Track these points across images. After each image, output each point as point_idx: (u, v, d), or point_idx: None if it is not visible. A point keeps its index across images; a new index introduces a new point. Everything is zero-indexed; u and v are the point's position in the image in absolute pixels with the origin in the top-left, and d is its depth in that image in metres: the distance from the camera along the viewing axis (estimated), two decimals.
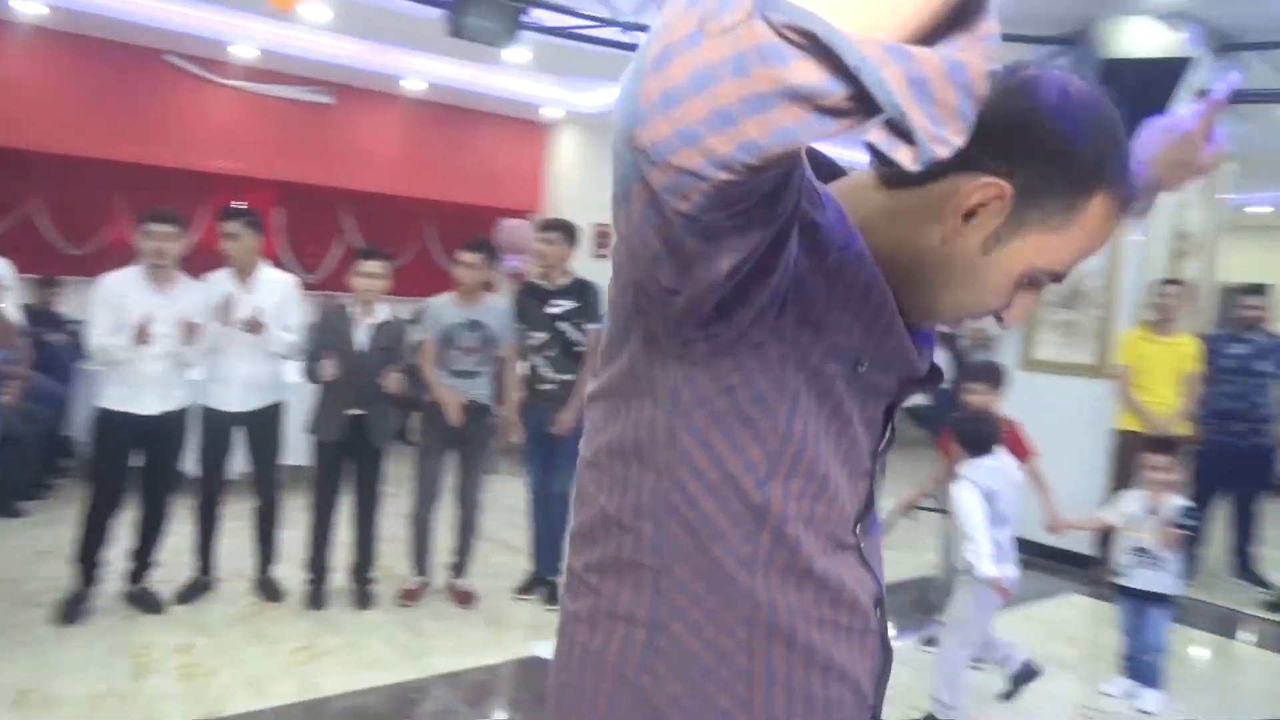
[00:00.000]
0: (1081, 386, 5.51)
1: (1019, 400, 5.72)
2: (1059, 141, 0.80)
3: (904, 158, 0.51)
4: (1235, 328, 5.36)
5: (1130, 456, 5.22)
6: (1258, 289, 5.39)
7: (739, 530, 0.81)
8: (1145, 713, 3.56)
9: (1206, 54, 5.34)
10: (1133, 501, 3.62)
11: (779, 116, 0.50)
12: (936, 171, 0.76)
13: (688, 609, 0.83)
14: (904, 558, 5.06)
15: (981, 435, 3.33)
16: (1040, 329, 5.81)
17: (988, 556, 3.06)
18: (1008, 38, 5.31)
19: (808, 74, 0.49)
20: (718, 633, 0.83)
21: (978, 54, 0.51)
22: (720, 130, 0.52)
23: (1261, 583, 5.28)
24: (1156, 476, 3.57)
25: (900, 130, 0.50)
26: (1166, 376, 5.06)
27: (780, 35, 0.48)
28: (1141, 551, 3.56)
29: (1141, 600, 3.60)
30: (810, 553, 0.84)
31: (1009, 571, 3.17)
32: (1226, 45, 5.44)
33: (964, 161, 0.71)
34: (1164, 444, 3.69)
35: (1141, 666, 3.66)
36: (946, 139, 0.51)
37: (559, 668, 0.93)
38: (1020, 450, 3.71)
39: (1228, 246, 15.83)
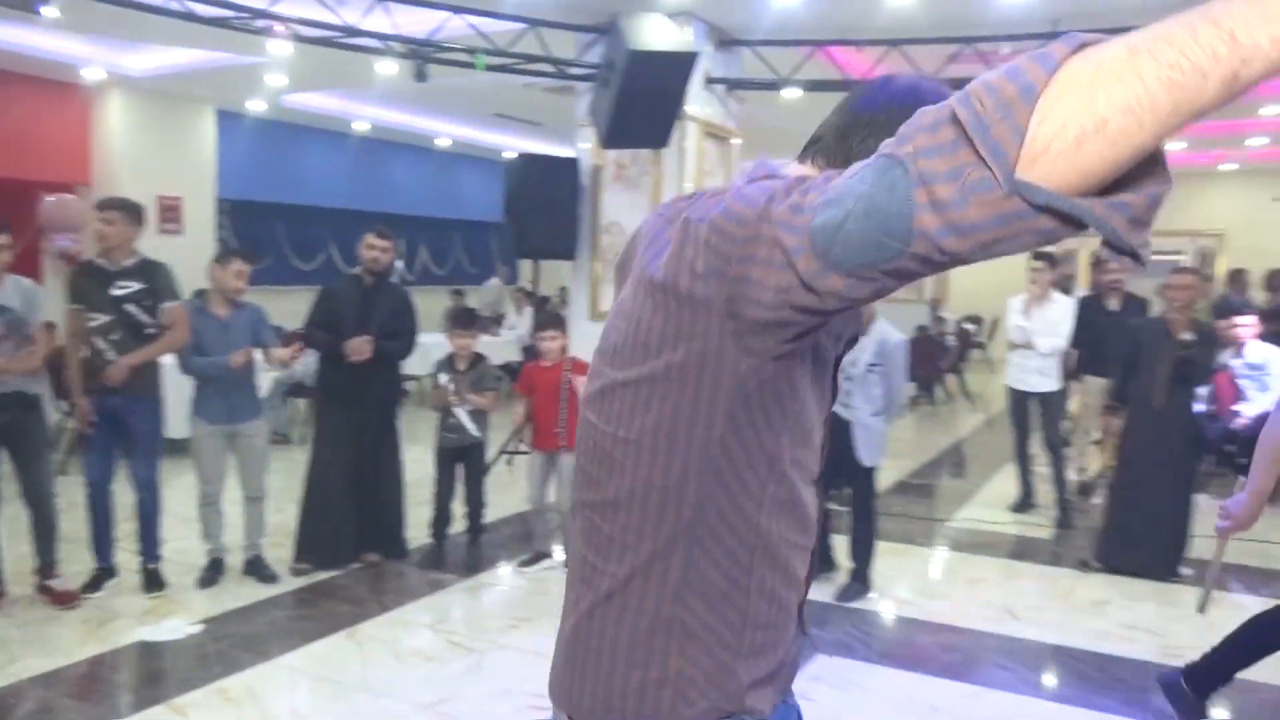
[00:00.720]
0: None
1: (590, 347, 6.53)
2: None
3: (1125, 264, 0.85)
4: None
5: None
6: None
7: (758, 477, 1.04)
8: None
9: (709, 48, 6.44)
10: None
11: (1026, 241, 0.75)
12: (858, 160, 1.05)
13: (713, 546, 1.04)
14: (503, 500, 5.63)
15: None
16: (604, 284, 6.64)
17: None
18: (547, 24, 5.95)
19: (1050, 224, 0.73)
20: (730, 560, 1.05)
21: (1154, 188, 0.72)
22: (983, 252, 0.77)
23: None
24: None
25: (1117, 249, 0.73)
26: None
27: (1032, 206, 0.72)
28: None
29: None
30: (798, 488, 1.08)
31: None
32: (725, 40, 6.59)
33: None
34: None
35: None
36: (1142, 252, 0.74)
37: (590, 632, 1.10)
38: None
39: None
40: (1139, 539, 4.86)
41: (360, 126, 10.86)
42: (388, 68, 6.42)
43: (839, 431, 4.19)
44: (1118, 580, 4.74)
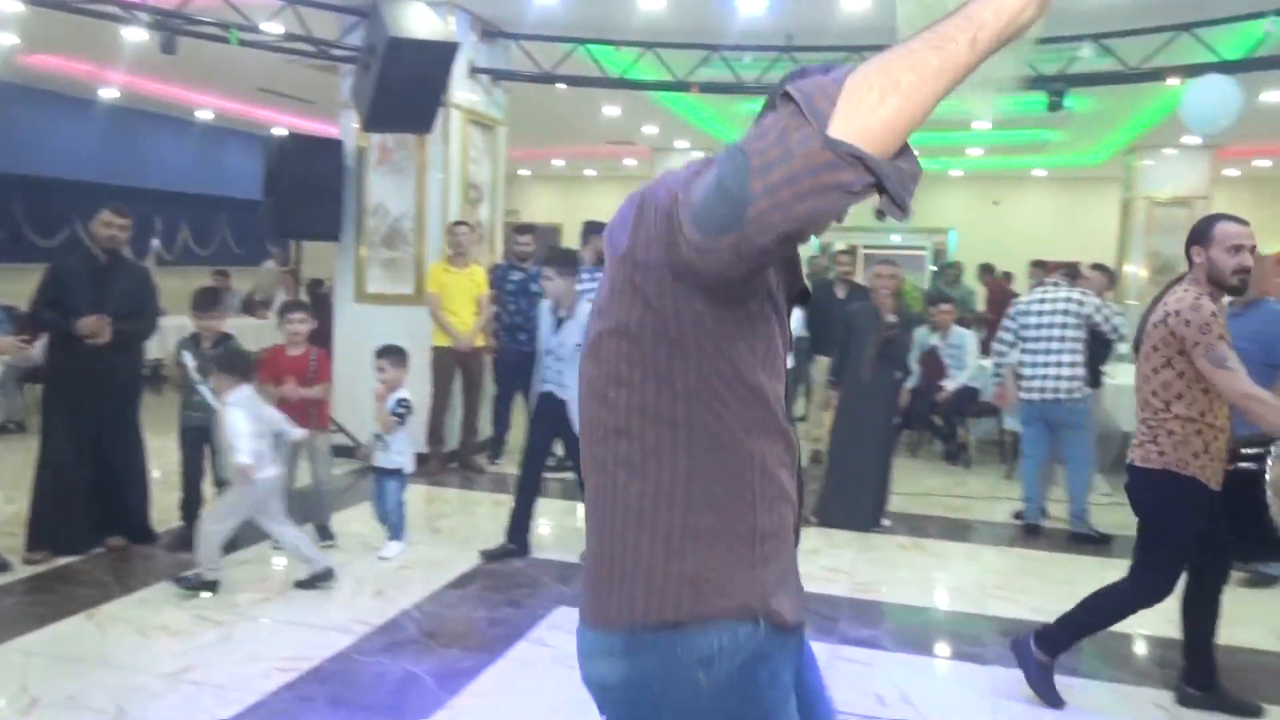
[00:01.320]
0: (406, 313, 6.53)
1: (355, 329, 6.57)
2: None
3: (897, 215, 1.03)
4: (515, 259, 6.83)
5: (444, 368, 6.41)
6: (528, 228, 6.94)
7: (744, 405, 1.25)
8: (385, 558, 4.65)
9: (473, 38, 6.63)
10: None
11: (831, 198, 0.99)
12: None
13: (713, 464, 1.25)
14: None
15: (239, 367, 4.23)
16: (369, 267, 6.69)
17: (245, 454, 3.95)
18: (305, 2, 5.92)
19: (851, 175, 0.98)
20: (732, 477, 1.26)
21: (915, 159, 1.03)
22: (799, 204, 0.99)
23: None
24: (382, 378, 4.64)
25: (895, 202, 1.00)
26: (466, 301, 6.31)
27: (838, 155, 0.97)
28: (377, 437, 4.64)
29: (382, 474, 4.69)
30: (779, 417, 1.30)
31: (269, 470, 4.08)
32: (489, 32, 6.80)
33: None
34: (391, 350, 4.71)
35: (388, 524, 4.76)
36: (910, 205, 1.02)
37: (624, 547, 1.27)
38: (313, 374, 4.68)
39: (523, 193, 18.57)
40: (849, 497, 5.55)
41: (109, 94, 10.18)
42: (136, 33, 6.15)
43: (556, 410, 4.52)
44: (830, 532, 5.40)
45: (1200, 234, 3.09)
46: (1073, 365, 5.17)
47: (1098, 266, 6.27)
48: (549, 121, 10.50)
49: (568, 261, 4.60)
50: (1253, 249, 3.06)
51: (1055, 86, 6.27)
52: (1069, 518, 5.44)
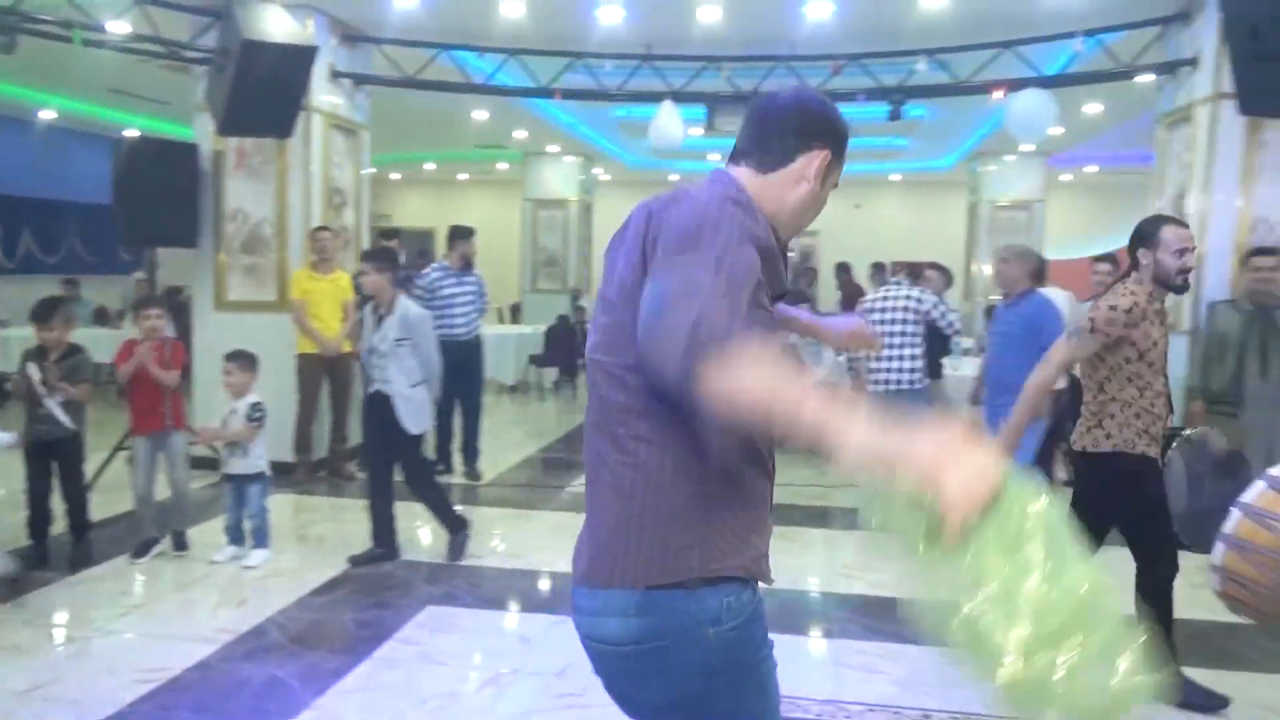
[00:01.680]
0: (268, 320, 6.42)
1: (216, 338, 6.40)
2: (833, 123, 1.57)
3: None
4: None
5: (310, 375, 6.35)
6: (393, 232, 6.96)
7: None
8: (250, 567, 4.62)
9: (333, 42, 6.59)
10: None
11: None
12: (787, 158, 1.52)
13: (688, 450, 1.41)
14: (122, 495, 5.42)
15: None
16: (230, 273, 6.55)
17: None
18: (154, 2, 5.76)
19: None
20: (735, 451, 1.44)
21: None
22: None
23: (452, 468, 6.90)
24: (229, 381, 4.63)
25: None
26: (331, 307, 6.27)
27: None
28: (232, 445, 4.63)
29: (240, 481, 4.67)
30: None
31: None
32: (349, 36, 6.77)
33: (798, 148, 1.51)
34: (240, 355, 4.73)
35: (247, 533, 4.74)
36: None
37: (632, 514, 1.43)
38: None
39: (395, 197, 18.35)
40: None
41: None
42: None
43: (380, 405, 4.55)
44: None
45: (1147, 236, 3.14)
46: (913, 358, 5.55)
47: (936, 267, 6.72)
48: (417, 125, 10.45)
49: (385, 258, 4.69)
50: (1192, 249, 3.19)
51: (894, 98, 6.70)
52: None
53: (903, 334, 5.56)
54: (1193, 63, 5.81)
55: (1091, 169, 14.30)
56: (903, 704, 3.31)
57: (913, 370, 5.55)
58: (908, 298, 5.59)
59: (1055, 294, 5.53)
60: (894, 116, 6.77)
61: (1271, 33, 4.81)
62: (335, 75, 6.64)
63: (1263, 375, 5.04)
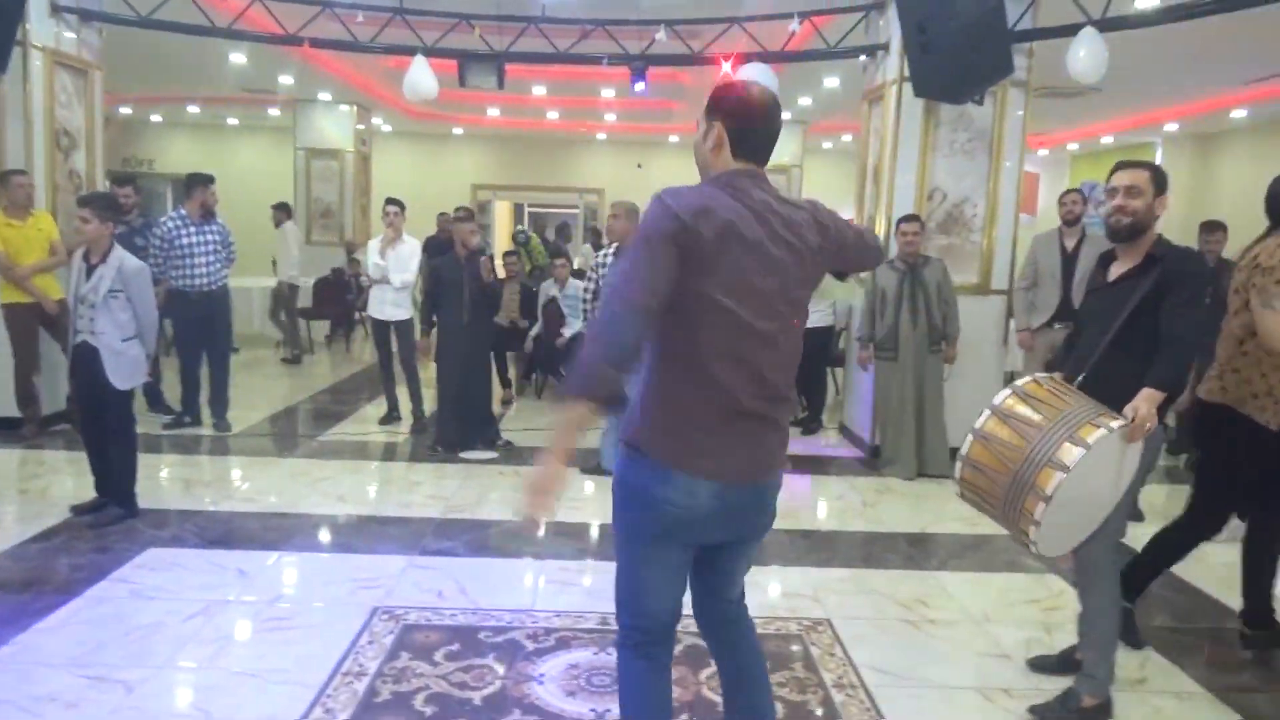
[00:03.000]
0: None
1: None
2: (728, 103, 2.07)
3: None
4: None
5: (21, 325, 6.07)
6: (128, 178, 6.73)
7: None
8: None
9: None
10: None
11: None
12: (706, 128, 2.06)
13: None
14: None
15: None
16: None
17: None
18: None
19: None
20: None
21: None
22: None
23: (169, 410, 6.82)
24: None
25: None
26: (36, 252, 5.98)
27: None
28: None
29: None
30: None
31: None
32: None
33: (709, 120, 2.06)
34: None
35: None
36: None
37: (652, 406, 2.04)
38: None
39: (156, 141, 17.20)
40: (461, 423, 6.25)
41: None
42: None
43: (88, 357, 4.40)
44: (444, 467, 5.93)
45: None
46: None
47: None
48: (168, 66, 9.95)
49: (104, 205, 4.53)
50: None
51: (636, 65, 7.13)
52: None
53: None
54: (885, 47, 6.57)
55: (847, 138, 15.49)
56: (586, 609, 3.77)
57: None
58: None
59: None
60: (636, 82, 7.20)
61: (936, 27, 5.56)
62: (57, 10, 6.30)
63: (913, 324, 5.92)
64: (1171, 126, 13.02)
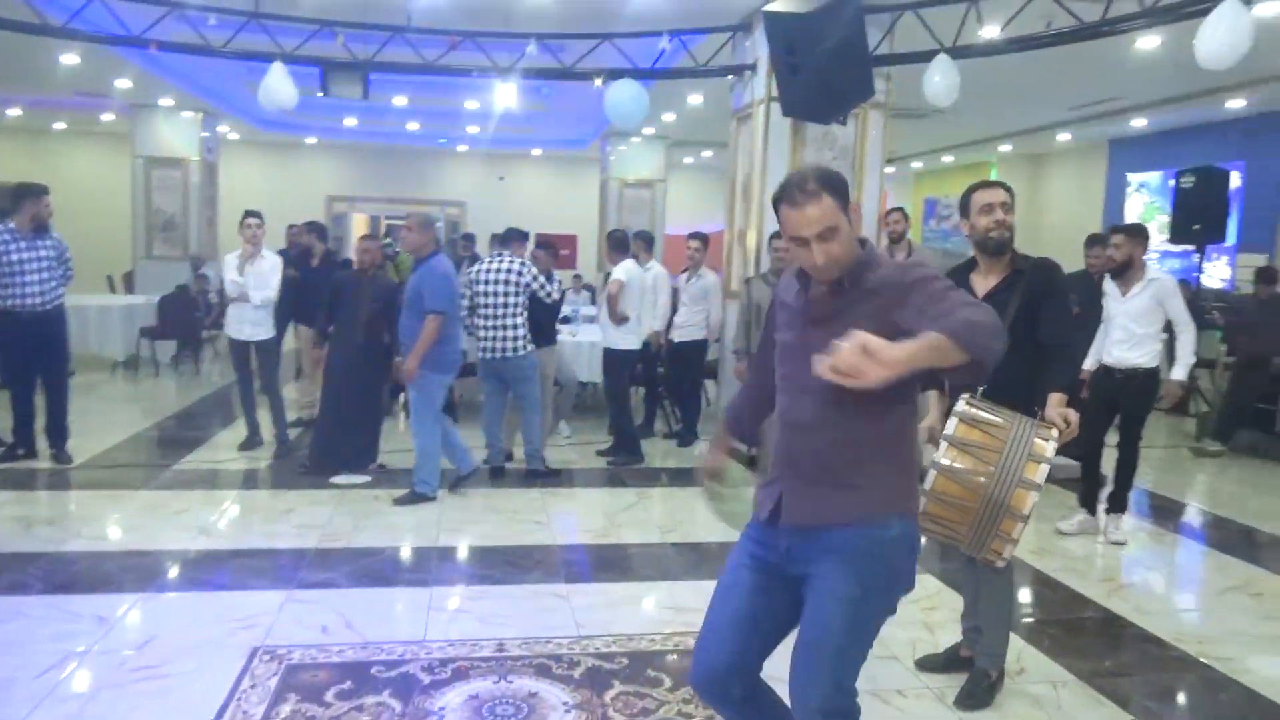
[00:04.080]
0: None
1: None
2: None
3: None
4: None
5: None
6: None
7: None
8: None
9: None
10: None
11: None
12: None
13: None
14: None
15: None
16: None
17: None
18: None
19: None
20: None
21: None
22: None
23: None
24: None
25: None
26: None
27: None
28: None
29: None
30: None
31: None
32: None
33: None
34: None
35: None
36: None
37: None
38: None
39: None
40: (341, 444, 6.01)
41: None
42: None
43: None
44: (314, 493, 5.66)
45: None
46: (515, 326, 5.95)
47: (541, 245, 7.28)
48: None
49: None
50: None
51: (508, 78, 7.05)
52: (525, 458, 6.29)
53: (506, 304, 5.92)
54: (753, 68, 6.74)
55: (708, 153, 15.82)
56: (480, 637, 3.66)
57: (516, 339, 5.93)
58: (508, 270, 5.96)
59: (628, 268, 6.30)
60: (507, 96, 7.13)
61: (803, 49, 5.75)
62: None
63: None
64: (1005, 147, 13.95)
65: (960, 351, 1.77)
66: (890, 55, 6.27)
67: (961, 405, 2.93)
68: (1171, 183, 10.07)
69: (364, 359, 5.97)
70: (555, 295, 6.19)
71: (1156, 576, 4.92)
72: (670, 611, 4.01)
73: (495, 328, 5.91)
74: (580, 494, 6.04)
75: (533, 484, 6.08)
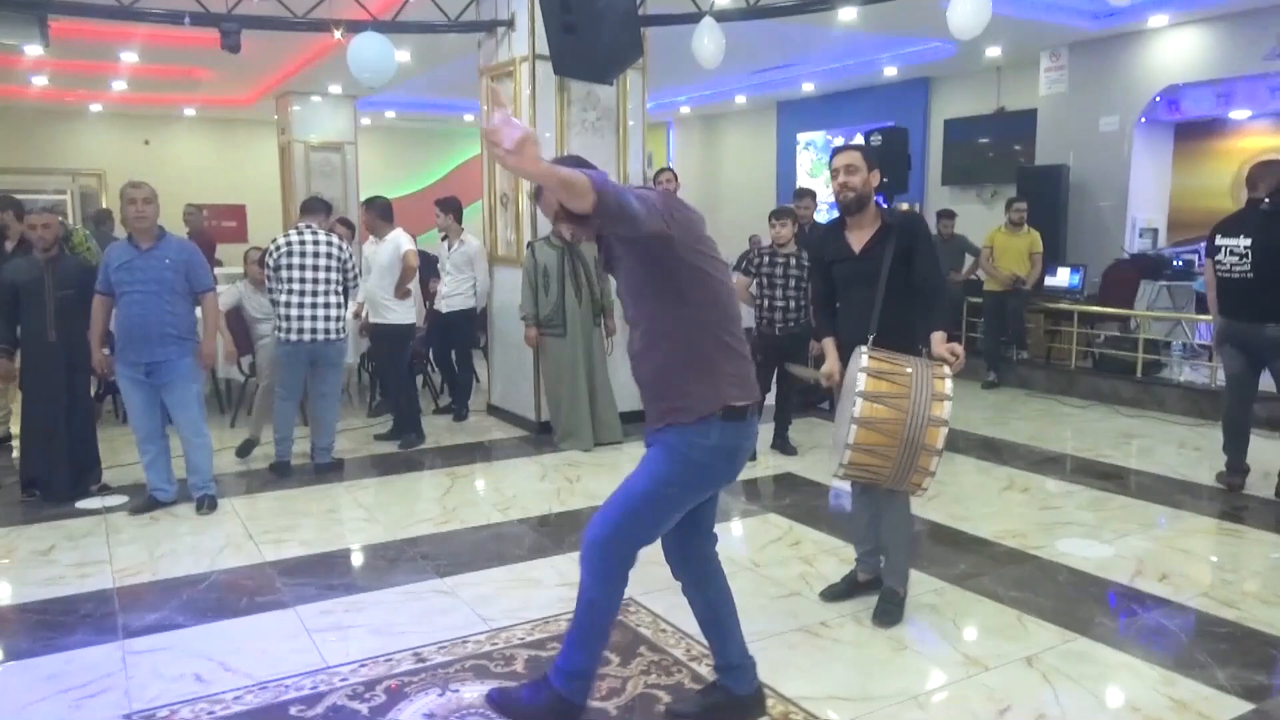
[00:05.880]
0: None
1: None
2: None
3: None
4: None
5: None
6: None
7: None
8: None
9: None
10: None
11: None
12: None
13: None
14: None
15: None
16: None
17: None
18: None
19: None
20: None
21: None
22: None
23: None
24: None
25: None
26: None
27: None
28: None
29: None
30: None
31: None
32: None
33: None
34: None
35: None
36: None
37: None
38: None
39: None
40: (68, 461, 5.10)
41: None
42: None
43: None
44: (70, 524, 4.72)
45: None
46: (335, 305, 5.39)
47: (342, 221, 6.63)
48: None
49: None
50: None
51: (229, 26, 6.20)
52: (315, 451, 5.70)
53: (326, 281, 5.40)
54: (509, 24, 6.53)
55: (390, 114, 15.04)
56: (387, 651, 3.32)
57: (338, 319, 5.46)
58: (327, 243, 5.44)
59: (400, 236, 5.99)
60: (229, 48, 6.26)
61: (578, 7, 5.67)
62: None
63: (578, 299, 6.10)
64: (685, 109, 14.82)
65: (590, 193, 2.07)
66: (656, 15, 6.38)
67: (866, 360, 3.20)
68: (848, 140, 11.31)
69: (65, 358, 4.99)
70: (356, 273, 5.68)
71: (950, 488, 5.50)
72: (565, 588, 3.89)
73: (310, 305, 5.31)
74: (391, 483, 5.60)
75: (325, 479, 5.56)
